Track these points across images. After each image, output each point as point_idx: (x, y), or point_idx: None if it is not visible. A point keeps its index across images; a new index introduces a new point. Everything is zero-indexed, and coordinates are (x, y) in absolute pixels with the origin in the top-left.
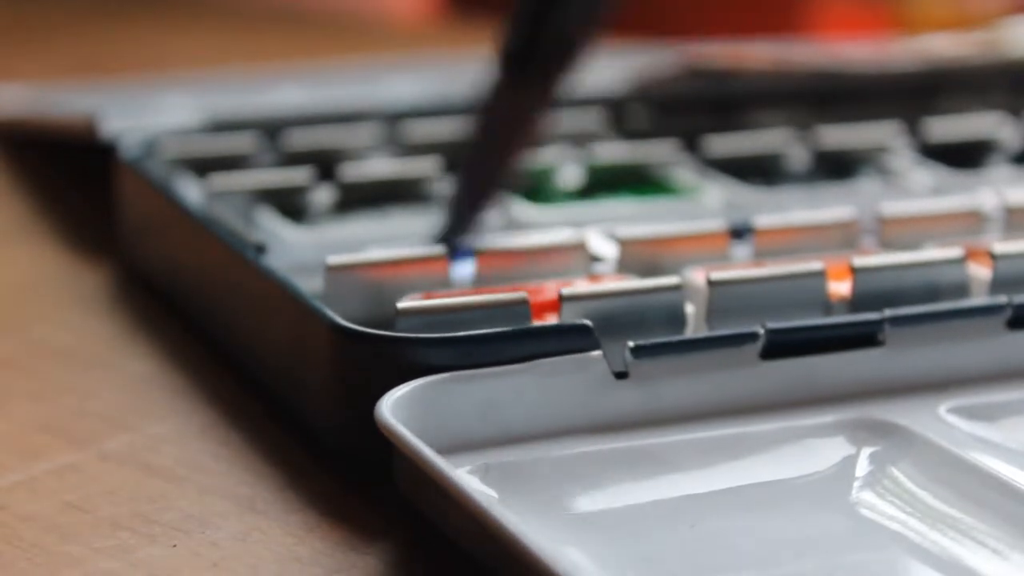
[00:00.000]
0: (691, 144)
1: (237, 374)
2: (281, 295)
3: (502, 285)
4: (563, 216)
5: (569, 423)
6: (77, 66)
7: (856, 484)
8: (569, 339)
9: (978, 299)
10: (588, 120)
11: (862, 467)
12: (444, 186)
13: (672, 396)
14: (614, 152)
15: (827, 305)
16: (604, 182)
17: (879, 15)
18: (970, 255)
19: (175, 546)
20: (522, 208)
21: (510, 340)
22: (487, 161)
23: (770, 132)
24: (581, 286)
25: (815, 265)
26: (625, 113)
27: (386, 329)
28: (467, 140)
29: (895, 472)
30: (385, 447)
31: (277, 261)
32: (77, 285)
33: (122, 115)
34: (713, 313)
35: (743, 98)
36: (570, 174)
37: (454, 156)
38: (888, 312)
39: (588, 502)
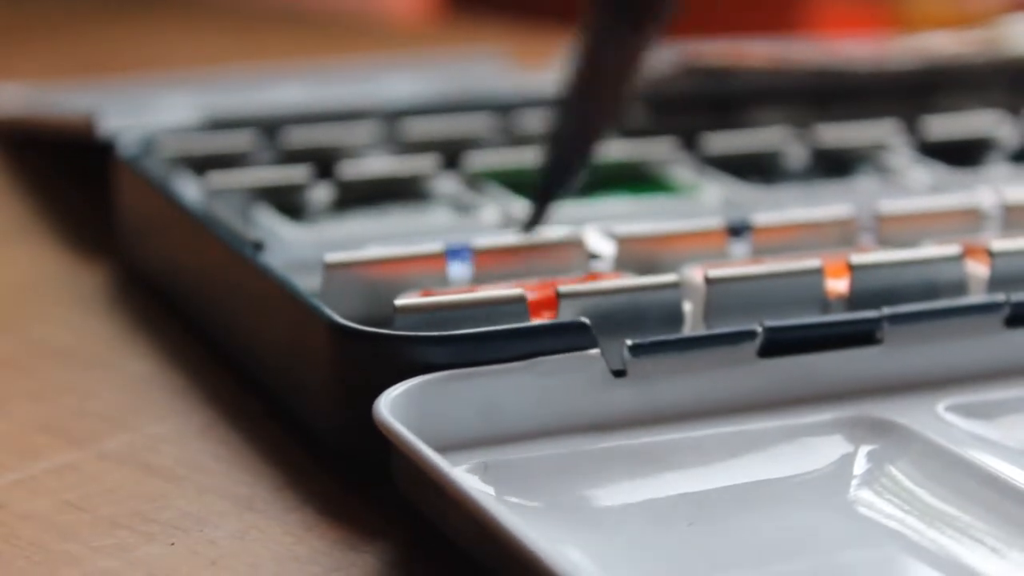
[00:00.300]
0: (689, 142)
1: (236, 373)
2: (279, 293)
3: (500, 283)
4: (562, 214)
5: (567, 421)
6: (77, 66)
7: (854, 482)
8: (567, 337)
9: (976, 297)
10: None
11: (860, 465)
12: (442, 183)
13: (670, 394)
14: (613, 150)
15: (825, 303)
16: (602, 180)
17: (878, 13)
18: (968, 253)
19: (173, 544)
20: (520, 205)
21: (508, 338)
22: (589, 105)
23: (768, 130)
24: (579, 284)
25: (813, 263)
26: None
27: (384, 327)
28: (568, 84)
29: (893, 470)
30: (384, 446)
31: (275, 259)
32: (76, 284)
33: (120, 114)
34: (711, 311)
35: (742, 96)
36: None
37: (452, 154)
38: (886, 310)
39: (586, 500)
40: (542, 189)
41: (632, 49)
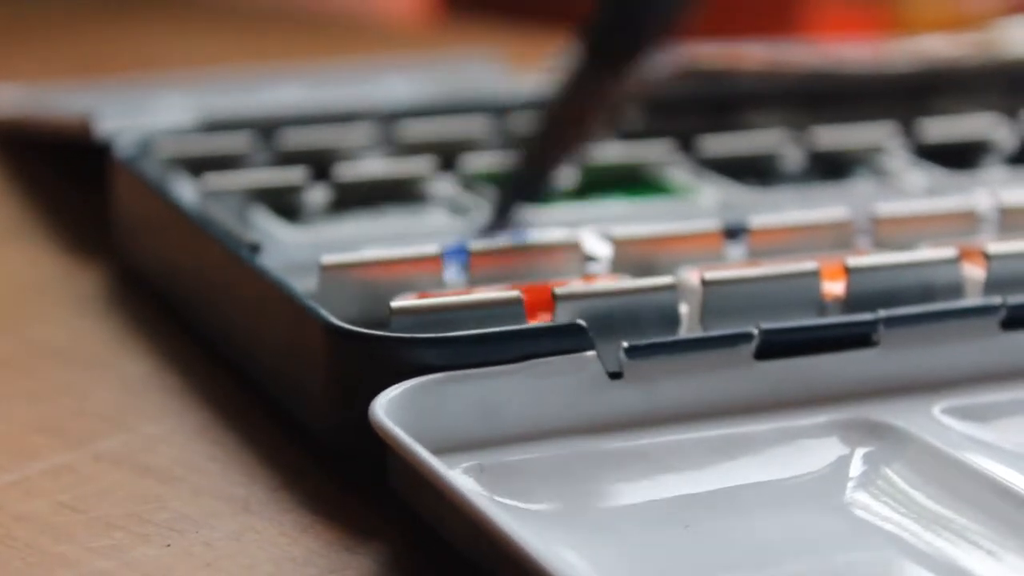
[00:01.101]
0: (686, 144)
1: (233, 374)
2: (276, 295)
3: (496, 285)
4: (558, 216)
5: (563, 423)
6: (75, 66)
7: (850, 484)
8: (563, 339)
9: (972, 299)
10: None
11: (856, 467)
12: (439, 186)
13: (666, 396)
14: (609, 152)
15: (821, 305)
16: (599, 182)
17: (875, 16)
18: (964, 255)
19: (169, 546)
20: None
21: (504, 340)
22: (553, 142)
23: (765, 132)
24: (575, 286)
25: (809, 265)
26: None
27: (380, 329)
28: (536, 120)
29: (889, 473)
30: (380, 447)
31: (272, 261)
32: (73, 285)
33: (117, 115)
34: (707, 313)
35: (738, 98)
36: (565, 174)
37: (449, 156)
38: (882, 312)
39: (582, 502)
40: (503, 198)
41: (607, 87)
